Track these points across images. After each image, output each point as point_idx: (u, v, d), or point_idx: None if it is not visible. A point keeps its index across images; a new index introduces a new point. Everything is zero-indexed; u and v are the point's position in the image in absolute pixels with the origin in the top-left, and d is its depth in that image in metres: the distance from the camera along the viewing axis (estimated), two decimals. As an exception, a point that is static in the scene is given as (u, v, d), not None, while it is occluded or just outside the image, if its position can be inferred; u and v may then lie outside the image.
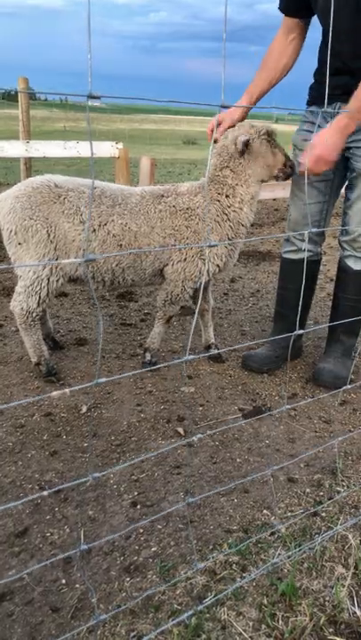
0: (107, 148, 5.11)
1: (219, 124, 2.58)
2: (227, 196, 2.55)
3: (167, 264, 2.59)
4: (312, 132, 2.53)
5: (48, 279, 2.42)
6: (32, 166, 6.10)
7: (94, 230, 2.42)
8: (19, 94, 6.01)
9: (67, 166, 12.26)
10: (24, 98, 5.65)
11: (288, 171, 2.54)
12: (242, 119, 2.60)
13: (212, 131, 2.49)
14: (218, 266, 2.64)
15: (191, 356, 1.07)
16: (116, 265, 2.50)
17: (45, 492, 1.02)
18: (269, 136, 2.52)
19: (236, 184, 2.54)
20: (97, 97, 0.79)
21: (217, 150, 2.56)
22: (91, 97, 0.79)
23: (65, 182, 2.46)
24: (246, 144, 2.45)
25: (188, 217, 2.53)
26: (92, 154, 0.85)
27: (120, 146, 5.11)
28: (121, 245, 2.46)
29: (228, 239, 2.59)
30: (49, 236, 2.37)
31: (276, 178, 2.58)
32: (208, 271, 2.62)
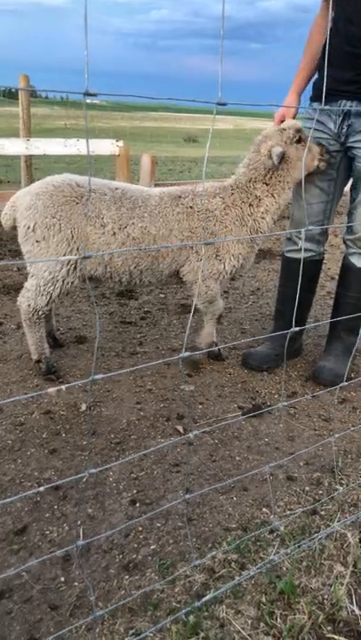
0: (107, 146, 5.10)
1: (282, 121, 2.58)
2: (250, 205, 2.56)
3: (183, 265, 2.59)
4: (316, 129, 2.51)
5: (63, 280, 2.40)
6: (32, 164, 6.10)
7: (114, 234, 2.40)
8: (19, 92, 6.01)
9: (67, 164, 12.25)
10: (24, 95, 5.65)
11: (326, 157, 2.50)
12: (294, 114, 2.60)
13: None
14: (234, 266, 2.64)
15: (187, 353, 1.07)
16: (135, 267, 2.48)
17: (42, 488, 1.02)
18: (300, 135, 2.48)
19: (266, 196, 2.55)
20: (94, 94, 0.79)
21: (252, 164, 2.53)
22: (87, 94, 0.79)
23: (86, 182, 2.43)
24: (283, 156, 2.44)
25: (206, 218, 2.53)
26: (89, 152, 0.84)
27: (120, 143, 5.11)
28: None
29: (246, 243, 2.61)
30: (73, 236, 2.36)
31: (318, 169, 2.53)
32: (226, 271, 2.63)
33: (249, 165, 2.55)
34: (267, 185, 2.54)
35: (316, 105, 2.54)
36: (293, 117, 2.60)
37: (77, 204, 2.36)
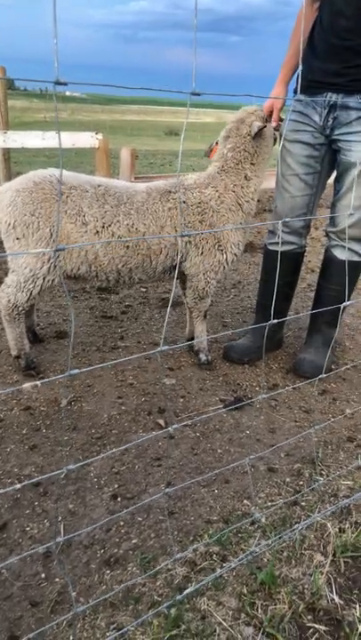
0: (86, 139, 5.04)
1: (271, 111, 2.63)
2: (242, 187, 2.59)
3: (184, 260, 2.58)
4: (301, 122, 2.51)
5: (44, 278, 2.37)
6: (10, 157, 6.00)
7: (97, 232, 2.36)
8: (-4, 84, 5.90)
9: (48, 157, 12.10)
10: (1, 87, 5.55)
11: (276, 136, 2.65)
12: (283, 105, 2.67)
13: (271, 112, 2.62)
14: (235, 255, 2.66)
15: (165, 347, 1.06)
16: (123, 265, 2.44)
17: (18, 485, 1.00)
18: (265, 116, 2.61)
19: (254, 175, 2.60)
20: (64, 83, 0.77)
21: (237, 146, 2.56)
22: (58, 83, 0.77)
23: (68, 179, 2.38)
24: (260, 130, 2.52)
25: (202, 211, 2.52)
26: (61, 144, 0.83)
27: (100, 136, 5.05)
28: (128, 247, 2.41)
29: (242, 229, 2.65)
30: (52, 235, 2.32)
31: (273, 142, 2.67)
32: (227, 261, 2.64)
33: (235, 149, 2.57)
34: (253, 165, 2.59)
35: (300, 97, 2.53)
36: (281, 108, 2.62)
37: (57, 201, 2.32)
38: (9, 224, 2.31)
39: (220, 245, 2.57)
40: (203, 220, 2.52)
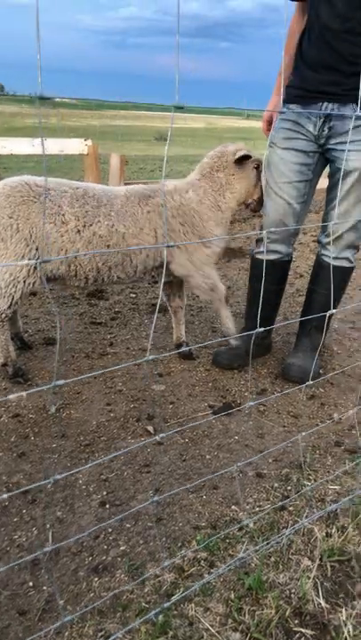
0: (75, 145, 5.05)
1: (269, 122, 2.71)
2: (220, 194, 2.67)
3: (170, 262, 2.61)
4: (295, 130, 2.52)
5: (24, 281, 2.38)
6: (0, 164, 5.99)
7: (79, 231, 2.39)
8: (-15, 90, 5.89)
9: (37, 163, 12.09)
10: (-10, 94, 5.54)
11: (258, 207, 2.75)
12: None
13: (270, 123, 2.71)
14: (219, 247, 2.74)
15: (152, 356, 1.07)
16: (103, 264, 2.48)
17: (5, 495, 1.01)
18: (259, 170, 2.69)
19: (226, 190, 2.67)
20: (47, 98, 0.78)
21: (216, 154, 2.69)
22: (42, 98, 0.78)
23: (44, 181, 2.42)
24: (243, 158, 2.61)
25: (182, 214, 2.58)
26: (44, 151, 0.84)
27: (89, 142, 5.06)
28: (108, 246, 2.45)
29: (222, 224, 2.73)
30: (31, 236, 2.34)
31: (247, 206, 2.79)
32: (214, 251, 2.73)
33: (213, 156, 2.69)
34: (225, 179, 2.67)
35: (294, 107, 2.54)
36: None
37: (35, 202, 2.34)
38: None
39: (203, 243, 2.65)
40: (184, 222, 2.58)
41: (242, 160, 2.63)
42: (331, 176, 2.62)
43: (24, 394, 0.94)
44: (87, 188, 2.48)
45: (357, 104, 2.30)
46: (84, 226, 2.39)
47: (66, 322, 3.34)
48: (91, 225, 2.40)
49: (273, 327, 3.04)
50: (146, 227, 2.51)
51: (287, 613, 1.39)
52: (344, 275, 2.74)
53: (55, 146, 4.95)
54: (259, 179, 2.72)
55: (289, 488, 1.95)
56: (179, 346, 2.99)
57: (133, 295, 3.89)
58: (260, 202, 2.74)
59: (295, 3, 2.56)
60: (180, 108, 0.92)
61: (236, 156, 2.61)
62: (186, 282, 2.76)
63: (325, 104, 2.42)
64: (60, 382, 0.91)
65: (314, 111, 2.44)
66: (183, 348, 2.94)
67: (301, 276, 4.46)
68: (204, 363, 2.91)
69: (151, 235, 2.53)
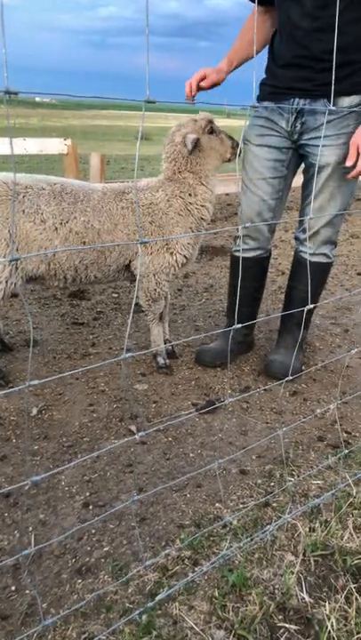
0: (55, 145, 5.01)
1: (202, 79, 2.51)
2: (189, 195, 2.57)
3: (133, 259, 2.58)
4: (267, 127, 2.52)
5: (6, 281, 2.35)
6: (-22, 164, 5.91)
7: (56, 229, 2.37)
8: None
9: (17, 163, 11.98)
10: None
11: (236, 151, 2.60)
12: (222, 80, 2.57)
13: (192, 86, 2.51)
14: (185, 257, 2.65)
15: (129, 354, 1.06)
16: (79, 262, 2.46)
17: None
18: (212, 126, 2.54)
19: (197, 184, 2.57)
20: (14, 93, 0.77)
21: (170, 155, 2.56)
22: (8, 92, 0.77)
23: (22, 179, 2.40)
24: (196, 143, 2.47)
25: (152, 212, 2.53)
26: (13, 152, 0.82)
27: (69, 142, 5.02)
28: (84, 243, 2.44)
29: (192, 232, 2.62)
30: (10, 235, 2.31)
31: (229, 160, 2.64)
32: (177, 262, 2.63)
33: (168, 158, 2.57)
34: (192, 173, 2.56)
35: (266, 103, 2.54)
36: (219, 83, 2.56)
37: (13, 202, 2.32)
38: None
39: (168, 247, 2.58)
40: (153, 220, 2.54)
41: (195, 145, 2.48)
42: (305, 172, 2.63)
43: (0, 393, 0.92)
44: (65, 184, 2.46)
45: (328, 99, 2.31)
46: (61, 223, 2.37)
47: (47, 323, 3.31)
48: (67, 222, 2.38)
49: (254, 323, 3.05)
50: (120, 223, 2.50)
51: (271, 609, 1.39)
52: (323, 270, 2.75)
53: (35, 146, 4.91)
54: (218, 136, 2.55)
55: (272, 484, 1.96)
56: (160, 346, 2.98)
57: (115, 295, 3.87)
58: (234, 150, 2.59)
59: (253, 5, 2.55)
60: (151, 103, 0.91)
61: (189, 147, 2.46)
62: (139, 282, 2.68)
63: (297, 100, 2.44)
64: (35, 382, 0.90)
65: (285, 105, 2.44)
66: (166, 345, 2.93)
67: (283, 273, 4.48)
68: (187, 361, 2.90)
69: (125, 232, 2.51)
